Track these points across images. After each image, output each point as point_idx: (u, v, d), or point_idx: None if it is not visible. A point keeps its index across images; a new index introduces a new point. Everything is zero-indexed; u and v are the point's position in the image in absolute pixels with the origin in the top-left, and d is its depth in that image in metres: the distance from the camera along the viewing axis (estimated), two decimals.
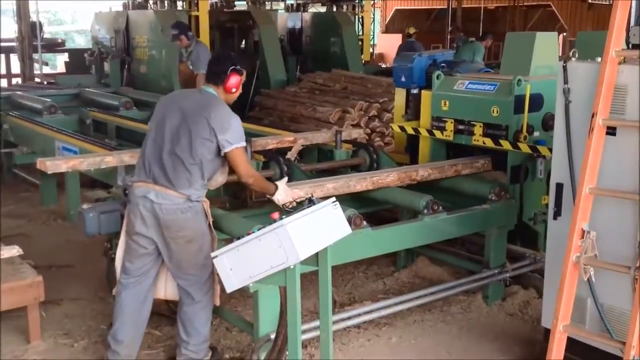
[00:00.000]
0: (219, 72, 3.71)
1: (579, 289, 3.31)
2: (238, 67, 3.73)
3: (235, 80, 3.72)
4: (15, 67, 14.35)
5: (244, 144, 3.67)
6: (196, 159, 3.56)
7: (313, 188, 4.21)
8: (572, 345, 3.39)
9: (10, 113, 7.39)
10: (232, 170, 3.77)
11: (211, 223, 3.69)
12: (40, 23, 13.35)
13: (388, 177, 4.63)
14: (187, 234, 3.58)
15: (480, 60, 10.52)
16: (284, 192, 3.83)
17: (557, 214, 3.60)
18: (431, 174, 4.80)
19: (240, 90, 3.82)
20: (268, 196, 3.85)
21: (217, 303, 3.78)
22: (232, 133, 3.59)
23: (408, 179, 4.71)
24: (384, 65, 16.94)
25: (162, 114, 3.72)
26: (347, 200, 4.50)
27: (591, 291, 3.33)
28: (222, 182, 3.85)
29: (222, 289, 3.37)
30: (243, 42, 12.92)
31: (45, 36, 15.06)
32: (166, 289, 3.86)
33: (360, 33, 15.35)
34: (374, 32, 20.97)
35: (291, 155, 4.93)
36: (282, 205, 3.68)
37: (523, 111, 4.69)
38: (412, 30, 12.59)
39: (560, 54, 5.83)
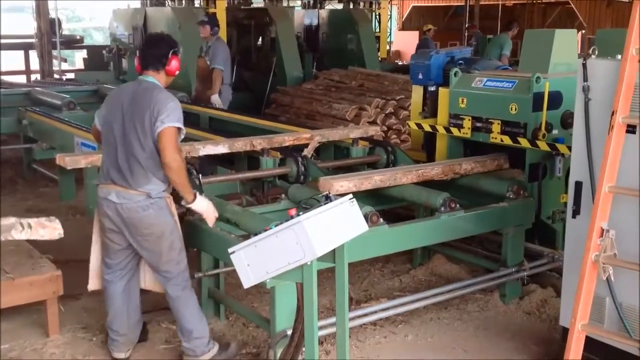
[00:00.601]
0: (159, 56, 3.64)
1: (597, 287, 3.28)
2: (176, 48, 3.69)
3: (176, 63, 3.68)
4: (34, 64, 14.48)
5: (178, 124, 3.53)
6: (148, 151, 3.52)
7: (361, 180, 4.32)
8: (590, 344, 3.37)
9: (30, 109, 7.46)
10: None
11: (176, 219, 3.66)
12: (59, 20, 13.47)
13: (433, 170, 4.68)
14: (155, 231, 3.59)
15: (508, 54, 10.22)
16: (207, 206, 3.72)
17: (576, 212, 3.58)
18: (474, 168, 4.83)
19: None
20: (184, 202, 3.67)
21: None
22: (168, 113, 3.49)
23: (452, 172, 4.76)
24: (400, 63, 16.92)
25: (107, 114, 3.69)
26: (363, 197, 4.50)
27: (610, 290, 3.31)
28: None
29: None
30: (260, 39, 12.93)
31: (63, 33, 15.18)
32: (145, 280, 3.93)
33: (377, 30, 15.32)
34: (390, 29, 20.94)
35: (308, 152, 4.93)
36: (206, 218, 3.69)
37: (542, 109, 4.66)
38: (428, 27, 12.55)
39: (578, 52, 5.79)
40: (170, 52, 3.64)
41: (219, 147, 4.34)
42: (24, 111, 7.43)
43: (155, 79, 3.65)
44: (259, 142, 4.49)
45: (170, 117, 3.50)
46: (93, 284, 3.94)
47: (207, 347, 3.79)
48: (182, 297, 3.72)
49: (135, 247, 3.67)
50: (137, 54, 3.75)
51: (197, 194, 3.69)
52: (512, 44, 10.45)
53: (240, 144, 4.44)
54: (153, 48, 3.68)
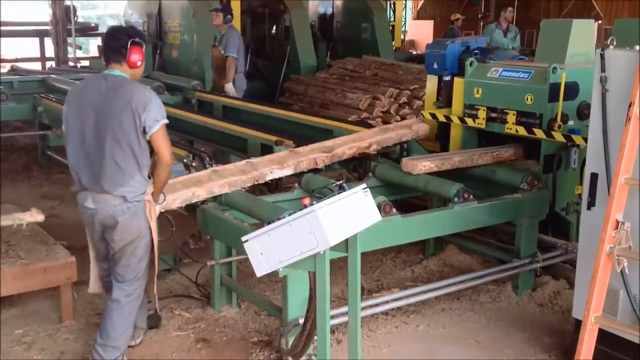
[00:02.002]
0: (118, 48, 3.42)
1: (611, 280, 3.26)
2: (136, 38, 3.45)
3: (137, 54, 3.45)
4: (50, 51, 14.54)
5: (166, 121, 3.42)
6: (127, 150, 3.33)
7: (442, 161, 4.57)
8: (603, 336, 3.35)
9: (45, 96, 7.49)
10: None
11: (151, 223, 3.50)
12: (74, 7, 13.47)
13: (506, 153, 4.94)
14: (125, 237, 3.46)
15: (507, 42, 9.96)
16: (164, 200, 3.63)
17: (591, 204, 3.55)
18: None
19: (143, 63, 3.52)
20: (156, 199, 3.55)
21: (152, 298, 3.71)
22: (156, 110, 3.35)
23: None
24: (415, 52, 16.83)
25: (72, 114, 3.45)
26: (377, 187, 4.49)
27: (624, 283, 3.29)
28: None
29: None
30: (274, 28, 12.91)
31: (78, 20, 15.21)
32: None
33: (392, 19, 15.24)
34: (405, 19, 20.83)
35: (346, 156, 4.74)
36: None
37: (558, 99, 4.63)
38: (456, 17, 12.40)
39: (595, 43, 5.73)
40: (129, 42, 3.41)
41: (285, 170, 4.32)
42: (39, 98, 7.46)
43: (121, 71, 3.45)
44: (321, 160, 4.46)
45: (159, 113, 3.36)
46: (93, 287, 3.82)
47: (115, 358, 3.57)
48: (122, 304, 3.54)
49: (113, 249, 3.53)
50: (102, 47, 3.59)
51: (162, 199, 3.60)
52: (512, 29, 10.20)
53: (305, 164, 4.42)
54: (112, 40, 3.46)
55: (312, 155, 4.54)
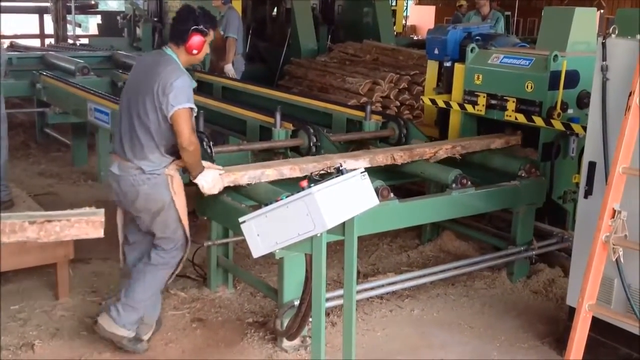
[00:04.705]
0: (181, 32, 3.47)
1: (606, 268, 3.28)
2: (201, 26, 3.47)
3: (197, 41, 3.48)
4: (49, 28, 14.46)
5: (189, 105, 3.41)
6: (145, 126, 3.41)
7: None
8: (597, 324, 3.37)
9: (44, 73, 7.46)
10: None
11: (174, 197, 3.52)
12: None
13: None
14: (151, 206, 3.50)
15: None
16: (211, 180, 3.60)
17: (588, 192, 3.56)
18: None
19: (205, 51, 3.56)
20: (192, 177, 3.58)
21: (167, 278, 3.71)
22: (175, 94, 3.35)
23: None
24: (416, 38, 16.76)
25: (127, 81, 3.63)
26: (375, 171, 4.49)
27: (619, 271, 3.30)
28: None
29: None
30: (275, 10, 12.83)
31: None
32: None
33: (394, 4, 15.15)
34: (407, 4, 20.72)
35: (434, 159, 4.63)
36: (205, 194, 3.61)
37: (558, 87, 4.62)
38: (460, 3, 12.30)
39: (597, 32, 5.71)
40: (191, 28, 3.45)
41: (360, 162, 4.28)
42: (37, 75, 7.42)
43: (174, 53, 3.51)
44: (399, 155, 4.44)
45: (178, 98, 3.36)
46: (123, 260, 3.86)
47: (132, 325, 3.61)
48: (157, 268, 3.62)
49: (137, 220, 3.62)
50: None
51: (203, 171, 3.57)
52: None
53: (381, 158, 4.42)
54: (179, 22, 3.51)
55: (391, 152, 4.53)
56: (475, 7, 10.16)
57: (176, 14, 3.59)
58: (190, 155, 3.45)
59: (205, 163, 3.64)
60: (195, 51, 3.51)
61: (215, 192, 3.64)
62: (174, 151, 3.51)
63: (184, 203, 3.58)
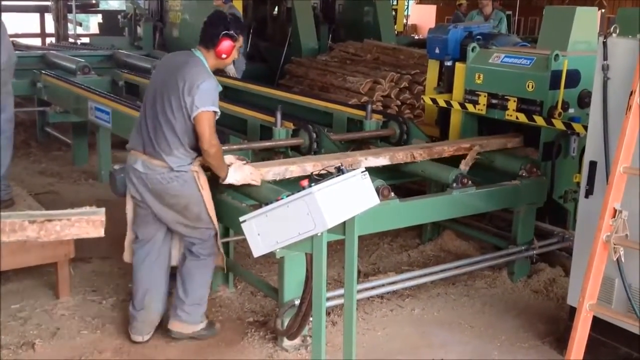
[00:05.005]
0: (212, 36, 3.58)
1: (607, 268, 3.27)
2: (231, 32, 3.57)
3: (226, 45, 3.58)
4: (50, 27, 14.46)
5: (213, 108, 3.50)
6: (170, 123, 3.49)
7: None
8: (597, 324, 3.37)
9: (44, 72, 7.46)
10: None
11: (203, 193, 3.60)
12: None
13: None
14: (181, 202, 3.58)
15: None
16: (240, 179, 3.67)
17: (589, 192, 3.56)
18: None
19: (233, 56, 3.66)
20: (221, 179, 3.65)
21: (220, 263, 3.84)
22: (201, 96, 3.44)
23: None
24: (417, 37, 16.75)
25: (152, 79, 3.68)
26: (375, 171, 4.48)
27: (620, 271, 3.29)
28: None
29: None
30: (276, 9, 12.82)
31: None
32: (175, 256, 3.90)
33: (395, 3, 15.14)
34: (408, 3, 20.71)
35: (465, 165, 4.56)
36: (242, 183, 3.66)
37: (559, 87, 4.61)
38: (460, 2, 12.29)
39: (598, 31, 5.70)
40: (222, 33, 3.54)
41: (380, 159, 4.37)
42: (38, 74, 7.42)
43: (203, 55, 3.59)
44: (419, 153, 4.52)
45: (203, 100, 3.44)
46: (128, 256, 3.89)
47: (202, 317, 3.82)
48: (207, 260, 3.73)
49: (157, 213, 3.64)
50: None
51: (229, 169, 3.64)
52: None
53: (401, 156, 4.46)
54: (209, 26, 3.61)
55: (411, 149, 4.58)
56: (478, 6, 10.17)
57: (207, 18, 3.69)
58: (212, 157, 3.53)
59: (227, 158, 3.71)
60: (224, 55, 3.61)
61: (249, 181, 3.70)
62: (197, 148, 3.58)
63: (210, 196, 3.67)
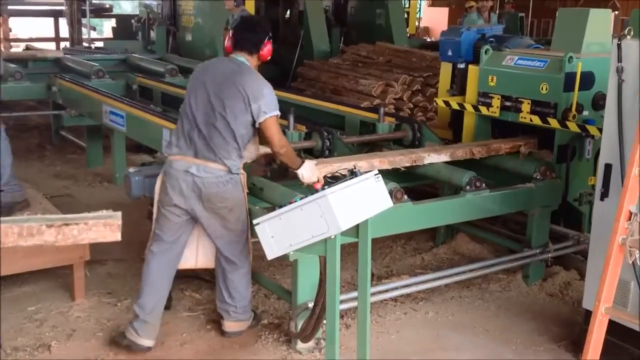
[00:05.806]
0: (256, 41, 3.70)
1: (623, 271, 3.24)
2: (270, 34, 3.75)
3: (269, 49, 3.75)
4: (64, 31, 14.57)
5: (278, 112, 3.64)
6: (230, 129, 3.56)
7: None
8: (613, 328, 3.34)
9: (59, 76, 7.52)
10: (262, 141, 3.77)
11: (245, 194, 3.72)
12: None
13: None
14: (228, 205, 3.64)
15: None
16: (310, 170, 3.73)
17: (604, 195, 3.54)
18: None
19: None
20: (292, 170, 3.76)
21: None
22: (266, 102, 3.58)
23: None
24: (429, 39, 16.71)
25: (197, 84, 3.69)
26: (388, 173, 4.48)
27: (635, 274, 3.27)
28: (255, 154, 3.81)
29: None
30: (288, 12, 12.85)
31: (93, 1, 15.23)
32: (197, 258, 3.91)
33: (407, 5, 15.13)
34: (420, 5, 20.67)
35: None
36: (306, 183, 3.71)
37: (573, 89, 4.60)
38: (470, 4, 12.28)
39: (611, 33, 5.67)
40: (267, 37, 3.70)
41: (442, 156, 4.53)
42: (53, 78, 7.48)
43: (247, 60, 3.69)
44: (478, 150, 4.65)
45: (269, 105, 3.58)
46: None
47: (250, 312, 3.96)
48: (245, 267, 3.79)
49: (199, 218, 3.66)
50: (230, 35, 3.77)
51: (304, 162, 3.73)
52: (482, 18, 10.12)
53: (461, 153, 4.58)
54: (249, 32, 3.71)
55: (470, 147, 4.70)
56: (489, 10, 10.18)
57: (243, 24, 3.82)
58: (284, 156, 3.68)
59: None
60: (267, 58, 3.77)
61: (315, 180, 3.73)
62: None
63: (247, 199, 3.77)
